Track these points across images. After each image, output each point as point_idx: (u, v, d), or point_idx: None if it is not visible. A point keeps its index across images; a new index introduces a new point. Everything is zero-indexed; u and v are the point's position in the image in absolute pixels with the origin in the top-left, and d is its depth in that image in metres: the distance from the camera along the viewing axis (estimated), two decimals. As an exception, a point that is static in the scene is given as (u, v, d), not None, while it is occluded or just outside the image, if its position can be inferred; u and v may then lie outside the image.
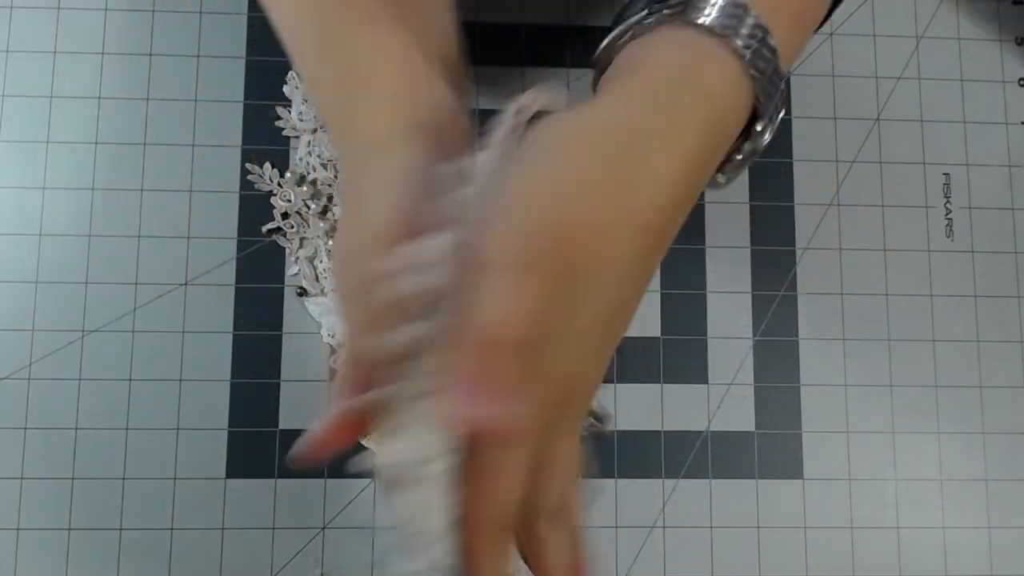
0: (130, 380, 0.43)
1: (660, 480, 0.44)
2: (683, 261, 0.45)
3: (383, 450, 0.24)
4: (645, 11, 0.26)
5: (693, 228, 0.46)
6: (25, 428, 0.42)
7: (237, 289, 0.44)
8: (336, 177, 0.45)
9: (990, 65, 0.48)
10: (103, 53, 0.45)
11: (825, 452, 0.44)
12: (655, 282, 0.45)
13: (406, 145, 0.26)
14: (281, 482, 0.42)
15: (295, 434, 0.31)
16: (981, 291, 0.46)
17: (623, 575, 0.43)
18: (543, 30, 0.47)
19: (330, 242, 0.44)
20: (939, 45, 0.48)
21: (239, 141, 0.45)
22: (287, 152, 0.45)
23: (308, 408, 0.43)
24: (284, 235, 0.44)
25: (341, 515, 0.42)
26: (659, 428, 0.44)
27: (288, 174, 0.45)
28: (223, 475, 0.43)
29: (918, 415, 0.45)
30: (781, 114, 0.28)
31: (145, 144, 0.45)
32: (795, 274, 0.46)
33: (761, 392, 0.45)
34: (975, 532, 0.44)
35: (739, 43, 0.25)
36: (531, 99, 0.26)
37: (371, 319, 0.24)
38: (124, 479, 0.42)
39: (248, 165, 0.45)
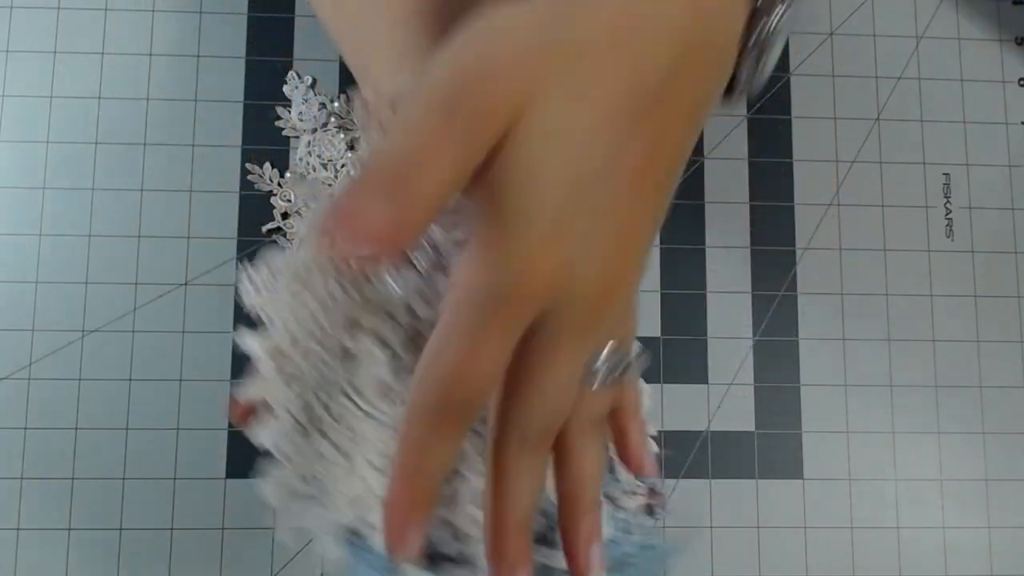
0: (130, 380, 0.43)
1: (660, 480, 0.44)
2: (683, 261, 0.45)
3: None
4: None
5: (693, 228, 0.46)
6: (25, 428, 0.42)
7: (237, 289, 0.44)
8: (336, 177, 0.45)
9: (990, 65, 0.48)
10: (103, 53, 0.45)
11: (825, 452, 0.44)
12: (655, 282, 0.45)
13: None
14: (281, 482, 0.42)
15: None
16: (981, 291, 0.46)
17: (623, 575, 0.43)
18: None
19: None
20: (939, 45, 0.48)
21: (239, 141, 0.45)
22: (287, 152, 0.45)
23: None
24: (284, 235, 0.45)
25: (341, 515, 0.42)
26: (659, 428, 0.44)
27: (288, 174, 0.45)
28: (223, 475, 0.43)
29: (918, 415, 0.45)
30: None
31: (145, 144, 0.45)
32: (795, 274, 0.46)
33: (761, 392, 0.45)
34: (975, 532, 0.44)
35: None
36: None
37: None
38: (124, 479, 0.42)
39: (248, 165, 0.45)
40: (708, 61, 0.24)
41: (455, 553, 0.27)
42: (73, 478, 0.42)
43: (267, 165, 0.45)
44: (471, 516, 0.27)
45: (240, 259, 0.44)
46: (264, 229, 0.44)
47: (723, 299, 0.45)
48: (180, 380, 0.43)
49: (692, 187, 0.46)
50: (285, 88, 0.46)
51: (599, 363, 0.25)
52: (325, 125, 0.45)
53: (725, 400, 0.44)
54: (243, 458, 0.43)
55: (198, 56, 0.46)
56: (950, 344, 0.46)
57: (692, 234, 0.46)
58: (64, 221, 0.44)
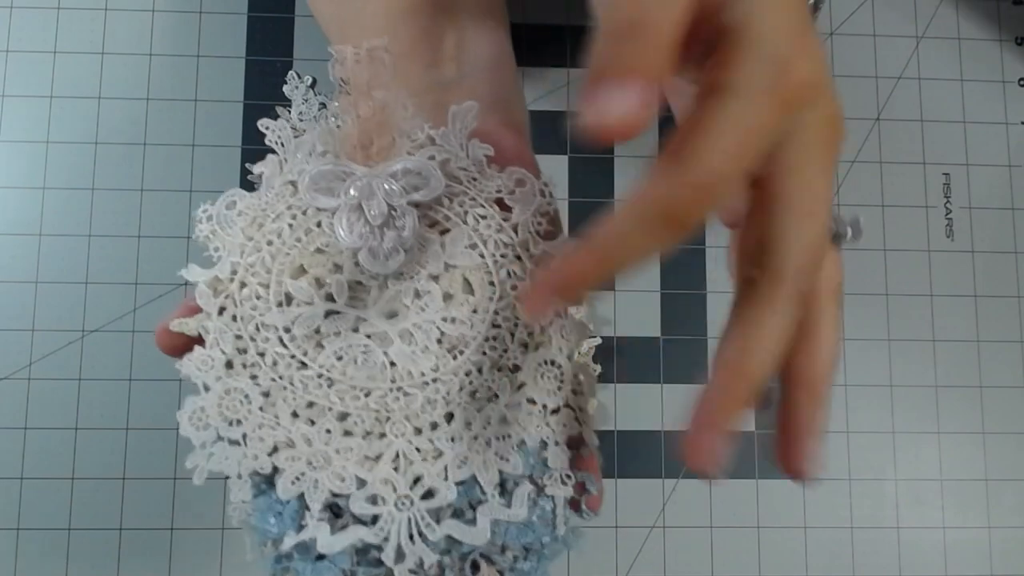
0: (130, 380, 0.43)
1: (660, 480, 0.44)
2: (683, 261, 0.45)
3: None
4: None
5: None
6: (25, 428, 0.42)
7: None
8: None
9: (990, 65, 0.48)
10: (103, 53, 0.45)
11: (825, 452, 0.44)
12: (655, 282, 0.45)
13: None
14: (281, 482, 0.42)
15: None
16: (981, 291, 0.46)
17: (623, 575, 0.43)
18: (543, 30, 0.47)
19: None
20: (939, 45, 0.48)
21: (239, 141, 0.45)
22: (287, 152, 0.45)
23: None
24: (284, 235, 0.44)
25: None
26: (659, 428, 0.44)
27: (288, 174, 0.45)
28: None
29: (918, 415, 0.45)
30: None
31: (145, 144, 0.45)
32: (795, 274, 0.46)
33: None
34: (975, 532, 0.44)
35: None
36: None
37: None
38: (124, 479, 0.42)
39: (248, 165, 0.45)
40: None
41: (365, 514, 0.26)
42: (73, 478, 0.42)
43: (267, 165, 0.45)
44: (387, 478, 0.27)
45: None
46: (264, 229, 0.44)
47: (723, 299, 0.45)
48: (180, 380, 0.43)
49: (692, 187, 0.46)
50: (285, 88, 0.46)
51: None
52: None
53: (725, 400, 0.44)
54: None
55: (198, 56, 0.46)
56: (950, 344, 0.46)
57: (692, 234, 0.46)
58: (64, 221, 0.44)
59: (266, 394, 0.27)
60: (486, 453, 0.27)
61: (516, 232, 0.29)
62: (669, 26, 0.21)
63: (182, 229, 0.44)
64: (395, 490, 0.27)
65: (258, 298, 0.28)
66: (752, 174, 0.22)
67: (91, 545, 0.42)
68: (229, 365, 0.28)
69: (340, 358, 0.27)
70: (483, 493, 0.27)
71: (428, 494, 0.27)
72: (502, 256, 0.28)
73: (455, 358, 0.28)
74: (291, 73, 0.46)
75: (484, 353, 0.28)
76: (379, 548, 0.26)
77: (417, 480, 0.27)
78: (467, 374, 0.28)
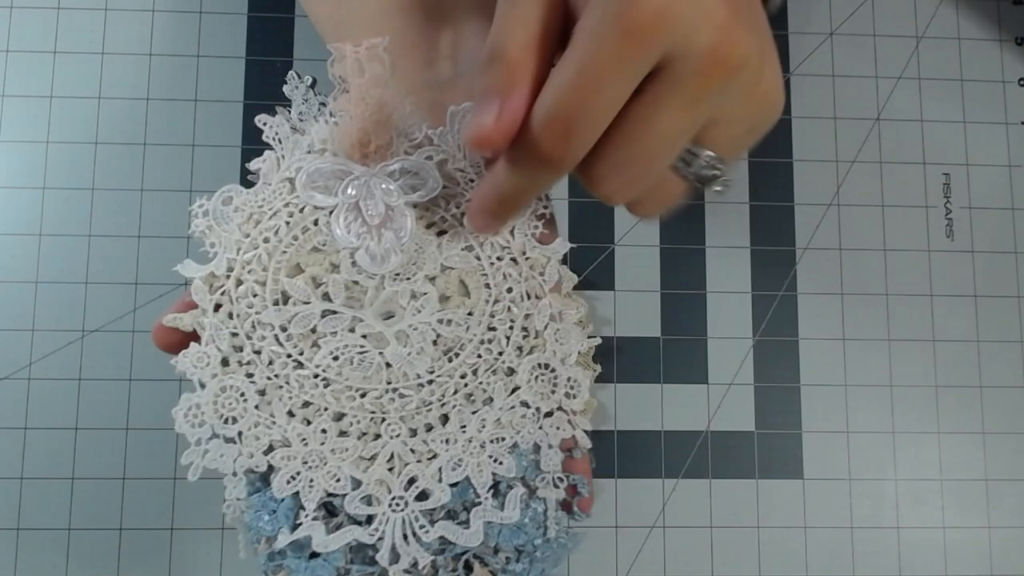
0: (130, 380, 0.43)
1: (660, 480, 0.44)
2: (683, 261, 0.45)
3: None
4: None
5: (693, 228, 0.46)
6: (25, 428, 0.42)
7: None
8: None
9: (990, 65, 0.48)
10: (103, 53, 0.45)
11: (825, 452, 0.44)
12: (655, 282, 0.45)
13: None
14: (281, 482, 0.42)
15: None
16: (981, 291, 0.46)
17: (623, 575, 0.43)
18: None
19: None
20: (939, 45, 0.48)
21: (239, 141, 0.45)
22: (287, 152, 0.45)
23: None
24: (284, 235, 0.44)
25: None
26: (659, 428, 0.44)
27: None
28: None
29: (918, 415, 0.45)
30: None
31: (145, 144, 0.45)
32: (795, 274, 0.46)
33: (761, 392, 0.45)
34: (975, 532, 0.44)
35: None
36: None
37: None
38: (124, 479, 0.42)
39: (248, 165, 0.45)
40: None
41: (360, 514, 0.27)
42: (73, 478, 0.42)
43: (267, 165, 0.45)
44: (382, 479, 0.27)
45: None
46: (264, 229, 0.44)
47: (723, 299, 0.45)
48: (180, 380, 0.43)
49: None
50: (285, 88, 0.46)
51: (697, 158, 0.25)
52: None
53: (725, 400, 0.44)
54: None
55: (198, 56, 0.46)
56: (950, 344, 0.46)
57: (692, 234, 0.46)
58: (64, 221, 0.44)
59: (262, 392, 0.27)
60: (480, 456, 0.27)
61: (512, 235, 0.29)
62: (517, 51, 0.23)
63: (182, 229, 0.44)
64: (390, 491, 0.27)
65: (254, 296, 0.28)
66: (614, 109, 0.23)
67: (91, 545, 0.42)
68: (225, 362, 0.28)
69: (336, 358, 0.27)
70: (476, 495, 0.27)
71: (422, 495, 0.27)
72: (498, 259, 0.28)
73: (451, 360, 0.28)
74: (291, 73, 0.46)
75: (479, 356, 0.28)
76: (374, 548, 0.26)
77: (412, 481, 0.27)
78: (462, 376, 0.28)
